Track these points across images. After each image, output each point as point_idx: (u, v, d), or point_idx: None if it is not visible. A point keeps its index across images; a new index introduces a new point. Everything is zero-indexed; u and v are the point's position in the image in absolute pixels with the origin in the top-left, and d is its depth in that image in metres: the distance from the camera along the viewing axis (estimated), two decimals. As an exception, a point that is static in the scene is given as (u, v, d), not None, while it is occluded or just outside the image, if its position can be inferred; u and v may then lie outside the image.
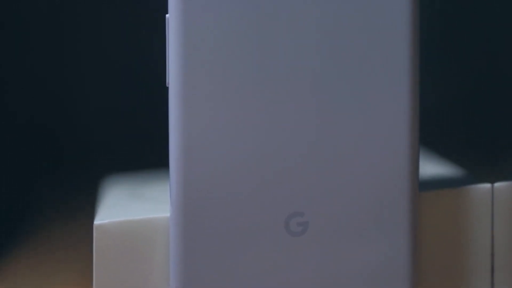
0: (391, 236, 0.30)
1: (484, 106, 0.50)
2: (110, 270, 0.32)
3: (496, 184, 0.34)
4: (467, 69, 0.51)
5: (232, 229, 0.29)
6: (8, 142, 0.48)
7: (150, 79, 0.48)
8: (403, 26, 0.29)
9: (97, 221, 0.32)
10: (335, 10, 0.29)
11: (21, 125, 0.49)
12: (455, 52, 0.51)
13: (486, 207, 0.34)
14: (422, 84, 0.31)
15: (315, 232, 0.30)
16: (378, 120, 0.30)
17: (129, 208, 0.34)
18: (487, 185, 0.33)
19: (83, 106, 0.49)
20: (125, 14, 0.49)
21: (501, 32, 0.51)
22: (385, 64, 0.30)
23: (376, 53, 0.29)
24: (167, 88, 0.29)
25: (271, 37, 0.29)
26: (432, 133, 0.45)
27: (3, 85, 0.49)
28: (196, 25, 0.29)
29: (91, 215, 0.35)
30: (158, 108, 0.43)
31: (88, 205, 0.37)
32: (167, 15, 0.29)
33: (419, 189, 0.33)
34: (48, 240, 0.35)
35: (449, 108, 0.50)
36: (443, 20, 0.51)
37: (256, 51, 0.29)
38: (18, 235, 0.35)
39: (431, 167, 0.37)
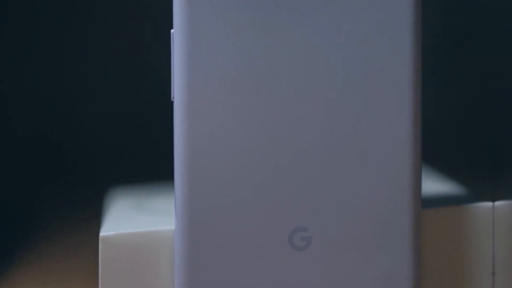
0: (394, 251, 0.30)
1: (486, 124, 0.50)
2: (115, 282, 0.32)
3: (497, 203, 0.34)
4: (469, 88, 0.51)
5: (236, 243, 0.29)
6: (14, 153, 0.49)
7: (156, 93, 0.48)
8: (406, 42, 0.30)
9: (102, 233, 0.32)
10: (339, 25, 0.30)
11: (27, 137, 0.49)
12: (457, 71, 0.51)
13: (487, 225, 0.34)
14: (424, 102, 0.31)
15: (318, 247, 0.30)
16: (381, 137, 0.30)
17: (134, 220, 0.34)
18: (489, 204, 0.34)
19: (89, 119, 0.49)
20: (131, 28, 0.50)
21: (504, 53, 0.51)
22: (388, 81, 0.30)
23: (378, 70, 0.30)
24: (172, 102, 0.30)
25: (276, 52, 0.29)
26: (434, 151, 0.45)
27: (11, 97, 0.49)
28: (201, 40, 0.29)
29: (96, 227, 0.35)
30: (163, 121, 0.43)
31: (94, 217, 0.37)
32: (172, 30, 0.30)
33: (421, 206, 0.33)
34: (54, 251, 0.35)
35: (451, 126, 0.50)
36: (446, 38, 0.51)
37: (261, 66, 0.29)
38: (25, 245, 0.36)
39: (433, 185, 0.37)
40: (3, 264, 0.35)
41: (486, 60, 0.51)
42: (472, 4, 0.51)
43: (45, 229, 0.36)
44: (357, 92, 0.30)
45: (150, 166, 0.46)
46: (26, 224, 0.37)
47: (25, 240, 0.36)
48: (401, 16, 0.30)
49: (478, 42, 0.51)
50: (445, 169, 0.40)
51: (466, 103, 0.51)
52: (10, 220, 0.38)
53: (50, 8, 0.49)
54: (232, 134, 0.29)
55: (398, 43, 0.30)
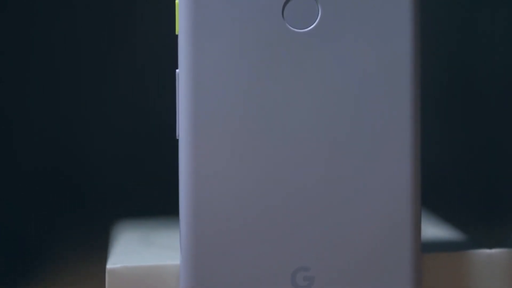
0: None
1: (486, 172, 0.50)
2: (122, 314, 0.32)
3: (494, 250, 0.34)
4: (469, 135, 0.51)
5: (239, 283, 0.30)
6: (21, 188, 0.48)
7: (162, 129, 0.48)
8: (406, 84, 0.30)
9: (109, 265, 0.32)
10: (343, 65, 0.30)
11: (34, 172, 0.49)
12: (458, 117, 0.51)
13: (484, 272, 0.34)
14: (423, 148, 0.31)
15: (321, 287, 0.30)
16: (382, 180, 0.30)
17: (140, 253, 0.34)
18: (486, 251, 0.34)
19: (97, 154, 0.49)
20: (138, 66, 0.50)
21: (507, 102, 0.51)
22: (387, 129, 0.30)
23: (379, 112, 0.30)
24: (177, 140, 0.30)
25: (281, 92, 0.30)
26: (433, 197, 0.45)
27: (17, 132, 0.49)
28: (206, 81, 0.29)
29: (103, 259, 0.35)
30: (170, 157, 0.43)
31: (101, 249, 0.38)
32: (177, 70, 0.30)
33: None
34: (62, 283, 0.35)
35: (451, 172, 0.50)
36: (449, 84, 0.52)
37: (266, 106, 0.29)
38: (32, 277, 0.36)
39: (432, 230, 0.37)
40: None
41: (487, 107, 0.51)
42: (477, 49, 0.51)
43: (52, 262, 0.36)
44: (358, 140, 0.30)
45: (157, 201, 0.46)
46: (34, 257, 0.37)
47: (33, 272, 0.36)
48: (402, 56, 0.30)
49: (482, 89, 0.51)
50: (444, 214, 0.40)
51: (466, 150, 0.50)
52: (17, 253, 0.38)
53: (57, 43, 0.49)
54: (236, 173, 0.29)
55: (398, 84, 0.30)
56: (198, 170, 0.29)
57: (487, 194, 0.47)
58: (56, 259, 0.37)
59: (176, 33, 0.30)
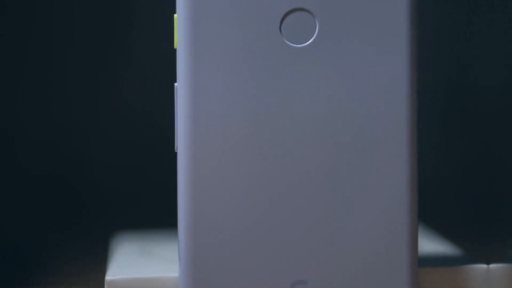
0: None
1: (483, 186, 0.50)
2: (120, 325, 0.32)
3: (492, 266, 0.34)
4: (465, 148, 0.51)
5: None
6: (19, 198, 0.49)
7: (163, 141, 0.48)
8: (402, 99, 0.30)
9: (108, 277, 0.33)
10: (338, 85, 0.30)
11: (34, 182, 0.49)
12: (455, 130, 0.51)
13: (481, 287, 0.34)
14: (420, 162, 0.31)
15: None
16: (379, 196, 0.30)
17: (139, 265, 0.34)
18: (483, 266, 0.34)
19: (97, 166, 0.49)
20: (139, 78, 0.50)
21: (504, 116, 0.51)
22: (384, 143, 0.30)
23: (375, 128, 0.30)
24: (176, 153, 0.30)
25: (279, 104, 0.30)
26: (430, 211, 0.45)
27: (19, 144, 0.49)
28: (204, 94, 0.29)
29: (102, 271, 0.35)
30: (169, 169, 0.43)
31: (100, 261, 0.38)
32: (175, 84, 0.30)
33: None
34: None
35: (448, 187, 0.50)
36: (446, 97, 0.52)
37: (264, 119, 0.30)
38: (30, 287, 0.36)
39: (429, 244, 0.37)
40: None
41: (484, 121, 0.51)
42: (475, 57, 0.51)
43: (51, 273, 0.36)
44: (355, 155, 0.30)
45: (156, 212, 0.46)
46: (32, 268, 0.38)
47: (31, 283, 0.36)
48: (399, 70, 0.30)
49: (478, 102, 0.51)
50: (441, 229, 0.40)
51: (462, 165, 0.50)
52: (15, 264, 0.38)
53: (58, 53, 0.50)
54: (234, 186, 0.30)
55: (395, 98, 0.30)
56: (196, 182, 0.30)
57: (485, 208, 0.47)
58: (55, 270, 0.37)
59: (175, 47, 0.30)
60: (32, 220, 0.46)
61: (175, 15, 0.30)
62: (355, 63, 0.30)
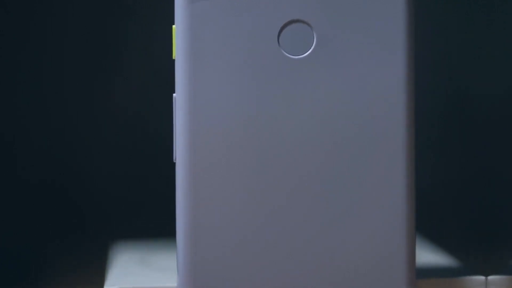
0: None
1: (481, 198, 0.50)
2: (118, 335, 0.32)
3: (490, 277, 0.34)
4: (463, 160, 0.51)
5: None
6: (18, 207, 0.49)
7: (162, 150, 0.49)
8: (399, 111, 0.30)
9: (107, 287, 0.33)
10: (337, 98, 0.30)
11: (33, 192, 0.49)
12: (453, 143, 0.51)
13: None
14: (418, 174, 0.31)
15: None
16: (377, 208, 0.30)
17: (138, 275, 0.34)
18: (481, 278, 0.34)
19: (97, 176, 0.49)
20: (139, 88, 0.50)
21: (503, 129, 0.51)
22: (381, 157, 0.30)
23: (371, 141, 0.30)
24: (174, 163, 0.30)
25: (277, 116, 0.30)
26: (428, 222, 0.45)
27: (19, 151, 0.49)
28: (202, 105, 0.30)
29: (101, 281, 0.36)
30: (169, 178, 0.43)
31: (98, 271, 0.38)
32: (174, 94, 0.30)
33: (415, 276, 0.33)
34: None
35: (446, 199, 0.50)
36: (445, 109, 0.52)
37: (262, 130, 0.30)
38: None
39: (427, 256, 0.37)
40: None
41: (483, 133, 0.51)
42: (473, 73, 0.51)
43: (49, 283, 0.36)
44: (352, 169, 0.30)
45: (155, 222, 0.46)
46: (31, 277, 0.38)
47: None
48: (396, 83, 0.30)
49: (478, 115, 0.51)
50: (439, 240, 0.40)
51: (461, 177, 0.50)
52: (13, 272, 0.38)
53: (57, 62, 0.50)
54: (232, 197, 0.30)
55: (392, 110, 0.30)
56: (194, 193, 0.30)
57: (483, 220, 0.47)
58: (54, 279, 0.37)
59: (173, 57, 0.30)
60: (31, 229, 0.46)
61: (174, 26, 0.30)
62: (352, 74, 0.30)
